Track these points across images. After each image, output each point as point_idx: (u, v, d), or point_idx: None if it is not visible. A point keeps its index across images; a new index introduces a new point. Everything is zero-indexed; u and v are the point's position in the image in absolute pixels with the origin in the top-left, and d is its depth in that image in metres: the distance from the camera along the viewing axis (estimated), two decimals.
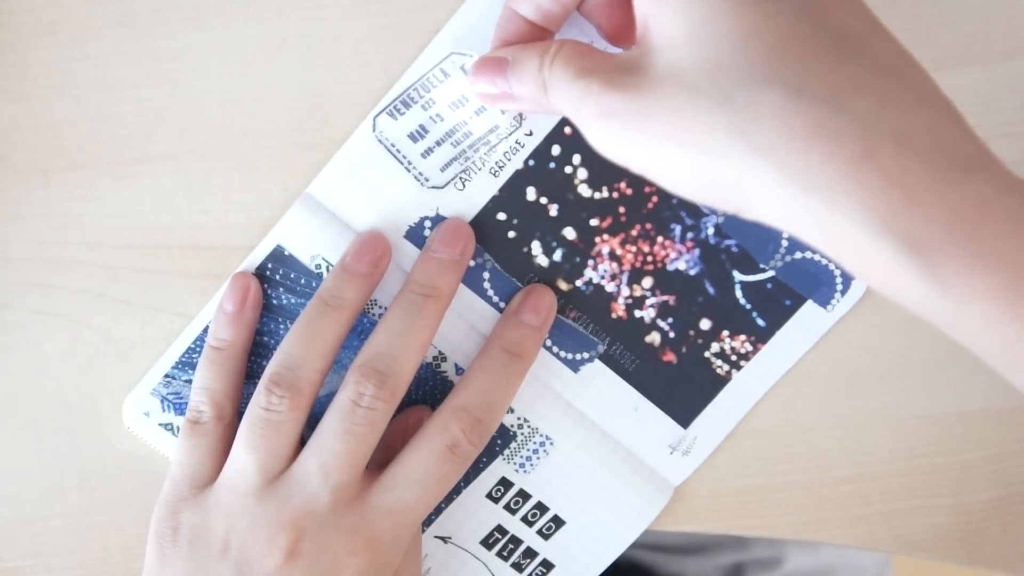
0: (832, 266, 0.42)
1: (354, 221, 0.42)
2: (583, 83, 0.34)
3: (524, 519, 0.44)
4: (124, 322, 0.43)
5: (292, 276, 0.42)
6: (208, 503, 0.39)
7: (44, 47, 0.42)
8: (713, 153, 0.31)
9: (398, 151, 0.42)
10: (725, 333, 0.43)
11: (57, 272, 0.43)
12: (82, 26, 0.41)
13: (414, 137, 0.42)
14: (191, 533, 0.39)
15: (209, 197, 0.42)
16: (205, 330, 0.42)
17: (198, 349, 0.43)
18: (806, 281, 0.42)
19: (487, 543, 0.45)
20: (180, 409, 0.43)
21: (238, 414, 0.42)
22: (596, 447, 0.43)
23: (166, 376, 0.43)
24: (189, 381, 0.43)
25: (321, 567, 0.38)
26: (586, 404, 0.43)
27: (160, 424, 0.43)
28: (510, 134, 0.41)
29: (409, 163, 0.42)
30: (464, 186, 0.42)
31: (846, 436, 0.44)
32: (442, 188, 0.42)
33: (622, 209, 0.42)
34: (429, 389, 0.43)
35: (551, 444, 0.43)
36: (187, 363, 0.43)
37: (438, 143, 0.42)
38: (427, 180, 0.42)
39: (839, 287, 0.42)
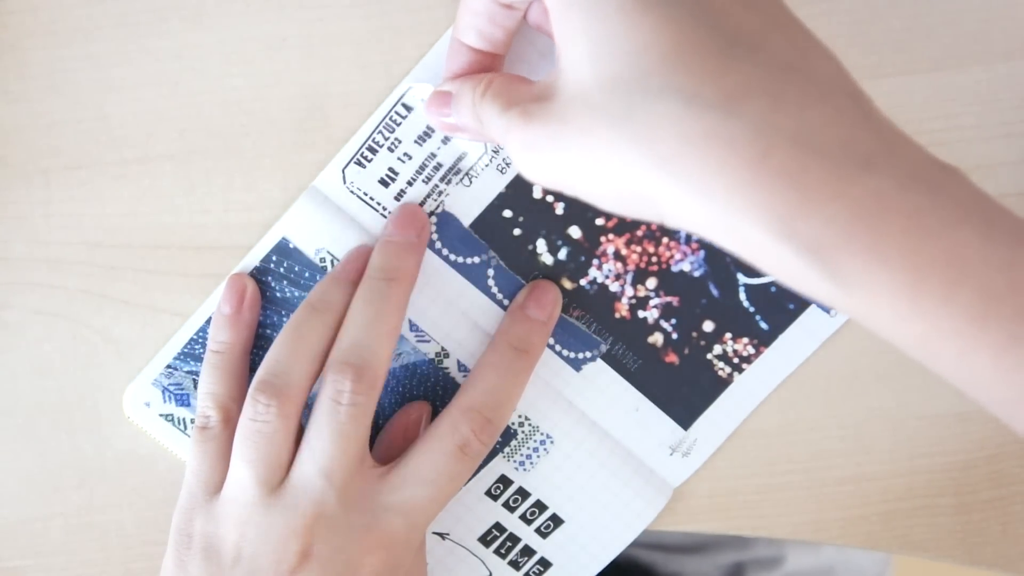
0: None
1: (360, 216, 0.42)
2: (507, 117, 0.34)
3: (523, 517, 0.44)
4: (124, 322, 0.43)
5: (296, 269, 0.42)
6: (218, 512, 0.40)
7: (44, 47, 0.42)
8: (622, 168, 0.31)
9: (371, 199, 0.42)
10: (728, 335, 0.43)
11: (57, 272, 0.43)
12: (82, 26, 0.41)
13: (385, 182, 0.42)
14: (204, 541, 0.39)
15: (209, 197, 0.42)
16: (208, 321, 0.42)
17: (200, 340, 0.43)
18: None
19: (485, 540, 0.45)
20: (181, 400, 0.43)
21: None
22: (596, 447, 0.44)
23: (167, 367, 0.43)
24: (190, 372, 0.43)
25: (336, 569, 0.38)
26: (587, 403, 0.43)
27: (161, 415, 0.43)
28: (479, 159, 0.41)
29: (384, 209, 0.42)
30: (471, 182, 0.42)
31: (846, 436, 0.44)
32: None
33: None
34: (431, 386, 0.43)
35: (551, 443, 0.43)
36: (189, 354, 0.43)
37: (409, 183, 0.42)
38: None
39: None
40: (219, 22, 0.41)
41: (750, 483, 0.44)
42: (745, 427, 0.44)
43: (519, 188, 0.42)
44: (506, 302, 0.43)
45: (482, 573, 0.45)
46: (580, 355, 0.43)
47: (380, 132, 0.41)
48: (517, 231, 0.42)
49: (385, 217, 0.42)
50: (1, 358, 0.43)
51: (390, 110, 0.41)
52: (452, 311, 0.42)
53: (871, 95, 0.42)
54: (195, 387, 0.43)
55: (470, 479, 0.44)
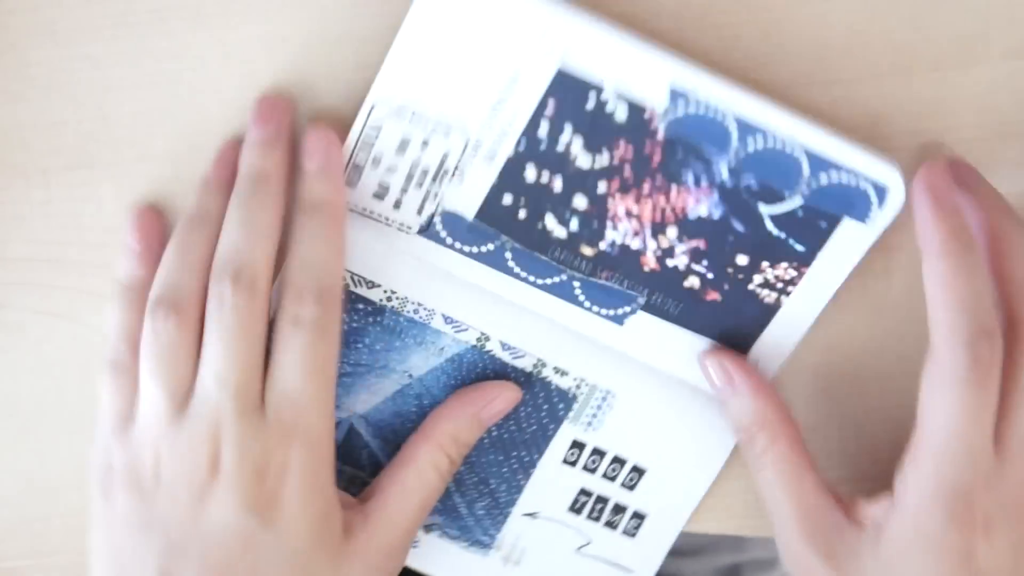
0: (862, 184, 0.40)
1: (363, 232, 0.42)
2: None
3: (605, 476, 0.44)
4: None
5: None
6: (135, 438, 0.39)
7: (44, 47, 0.41)
8: None
9: (371, 212, 0.42)
10: (765, 264, 0.42)
11: (57, 272, 0.43)
12: (82, 26, 0.41)
13: (379, 195, 0.42)
14: (125, 470, 0.39)
15: None
16: None
17: None
18: (838, 202, 0.41)
19: (575, 508, 0.45)
20: None
21: None
22: (658, 391, 0.43)
23: None
24: None
25: (247, 475, 0.38)
26: (639, 351, 0.43)
27: None
28: (463, 153, 0.41)
29: (387, 219, 0.42)
30: (463, 178, 0.41)
31: (846, 436, 0.44)
32: (428, 229, 0.42)
33: (627, 169, 0.41)
34: (481, 371, 0.43)
35: (613, 397, 0.43)
36: None
37: (403, 191, 0.41)
38: (409, 228, 0.42)
39: (874, 200, 0.41)
40: (219, 22, 0.41)
41: (750, 483, 0.44)
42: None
43: (512, 173, 0.41)
44: (531, 279, 0.42)
45: (580, 542, 0.45)
46: (619, 311, 0.43)
47: (357, 154, 0.41)
48: (522, 213, 0.42)
49: (389, 226, 0.42)
50: (1, 358, 0.43)
51: (361, 131, 0.41)
52: (483, 297, 0.42)
53: (871, 95, 0.42)
54: None
55: (543, 452, 0.44)
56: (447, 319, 0.43)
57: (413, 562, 0.45)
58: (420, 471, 0.42)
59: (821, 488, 0.39)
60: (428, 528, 0.45)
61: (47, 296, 0.43)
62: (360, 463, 0.45)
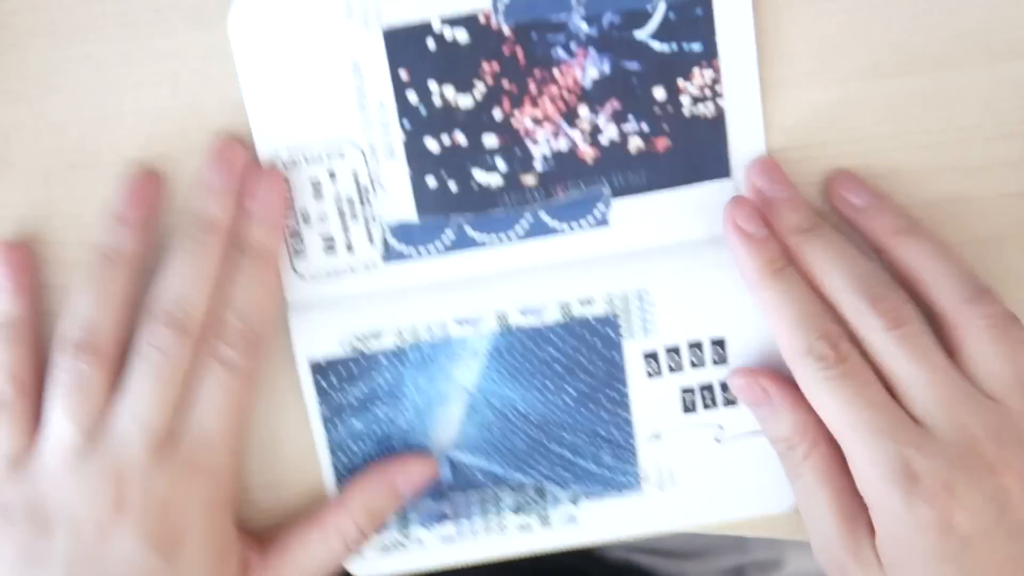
0: None
1: (338, 289, 0.43)
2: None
3: (694, 365, 0.44)
4: None
5: (342, 371, 0.43)
6: (34, 473, 0.39)
7: (44, 47, 0.42)
8: None
9: (335, 271, 0.42)
10: (681, 82, 0.41)
11: (57, 272, 0.43)
12: (82, 26, 0.41)
13: (330, 248, 0.42)
14: (21, 509, 0.39)
15: None
16: (338, 446, 0.43)
17: (342, 468, 0.44)
18: None
19: (687, 409, 0.44)
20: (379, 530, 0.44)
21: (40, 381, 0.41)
22: (684, 258, 0.43)
23: None
24: None
25: (154, 508, 0.38)
26: (640, 234, 0.43)
27: (378, 552, 0.44)
28: (366, 162, 0.41)
29: (351, 268, 0.42)
30: (383, 186, 0.41)
31: None
32: (389, 252, 0.42)
33: (505, 83, 0.41)
34: (521, 348, 0.43)
35: (648, 295, 0.43)
36: None
37: (345, 229, 0.42)
38: (374, 263, 0.42)
39: None
40: (219, 22, 0.41)
41: None
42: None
43: (418, 155, 0.41)
44: (503, 238, 0.42)
45: (715, 434, 0.44)
46: (595, 212, 0.42)
47: (287, 221, 0.42)
48: (453, 185, 0.42)
49: (355, 272, 0.42)
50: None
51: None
52: (476, 282, 0.42)
53: (871, 95, 0.42)
54: None
55: (624, 381, 0.44)
56: (460, 321, 0.43)
57: (581, 534, 0.45)
58: (325, 535, 0.42)
59: (856, 493, 0.39)
60: (574, 500, 0.45)
61: (47, 296, 0.43)
62: (479, 483, 0.44)
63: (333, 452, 0.44)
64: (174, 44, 0.41)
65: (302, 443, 0.44)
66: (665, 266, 0.43)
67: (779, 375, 0.41)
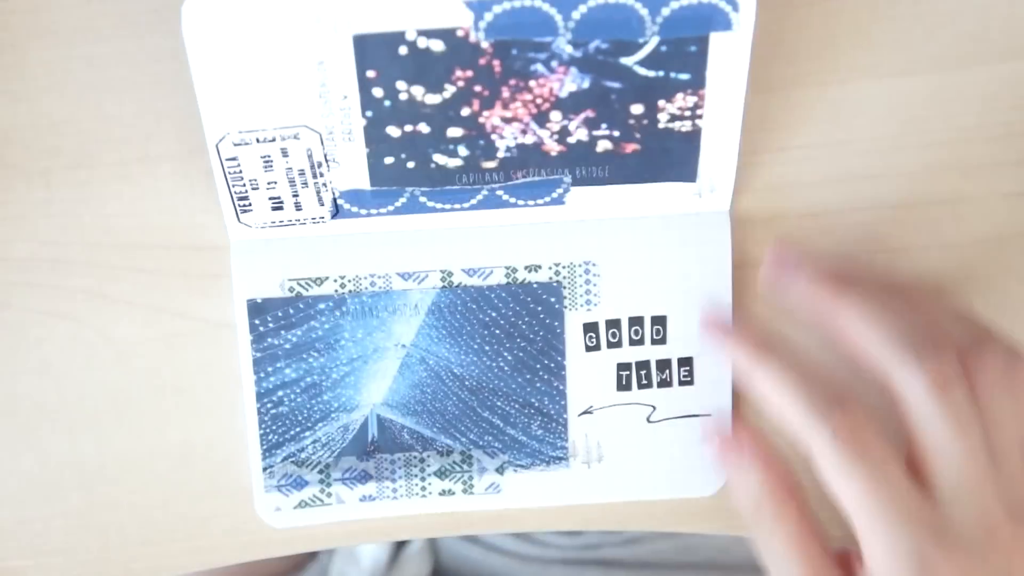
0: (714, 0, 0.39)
1: (285, 234, 0.42)
2: None
3: (632, 342, 0.44)
4: (124, 322, 0.43)
5: (279, 314, 0.42)
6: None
7: (44, 47, 0.42)
8: None
9: (281, 221, 0.42)
10: (662, 102, 0.40)
11: (57, 272, 0.43)
12: (82, 26, 0.41)
13: (278, 206, 0.41)
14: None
15: (209, 197, 0.42)
16: (265, 394, 0.43)
17: (268, 418, 0.43)
18: (694, 24, 0.39)
19: (623, 386, 0.44)
20: (299, 484, 0.44)
21: None
22: (633, 238, 0.43)
23: (264, 470, 0.43)
24: (287, 458, 0.43)
25: None
26: (595, 216, 0.43)
27: (295, 507, 0.44)
28: (322, 144, 0.41)
29: (299, 220, 0.42)
30: (336, 159, 0.41)
31: None
32: (339, 212, 0.42)
33: (477, 87, 0.40)
34: (462, 306, 0.43)
35: (594, 266, 0.43)
36: (272, 445, 0.43)
37: (295, 195, 0.41)
38: (322, 218, 0.42)
39: (727, 8, 0.38)
40: None
41: None
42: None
43: (377, 139, 0.40)
44: (456, 207, 0.42)
45: (646, 413, 0.44)
46: (553, 195, 0.42)
47: (234, 187, 0.41)
48: (410, 164, 0.41)
49: (304, 224, 0.42)
50: (1, 358, 0.43)
51: (224, 171, 0.41)
52: (424, 239, 0.42)
53: (871, 95, 0.42)
54: (301, 466, 0.43)
55: (564, 354, 0.43)
56: (404, 275, 0.43)
57: (504, 503, 0.45)
58: None
59: (828, 555, 0.38)
60: (500, 470, 0.45)
61: (47, 296, 0.43)
62: (406, 444, 0.44)
63: (259, 400, 0.43)
64: (174, 44, 0.41)
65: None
66: (614, 240, 0.43)
67: (749, 428, 0.41)
